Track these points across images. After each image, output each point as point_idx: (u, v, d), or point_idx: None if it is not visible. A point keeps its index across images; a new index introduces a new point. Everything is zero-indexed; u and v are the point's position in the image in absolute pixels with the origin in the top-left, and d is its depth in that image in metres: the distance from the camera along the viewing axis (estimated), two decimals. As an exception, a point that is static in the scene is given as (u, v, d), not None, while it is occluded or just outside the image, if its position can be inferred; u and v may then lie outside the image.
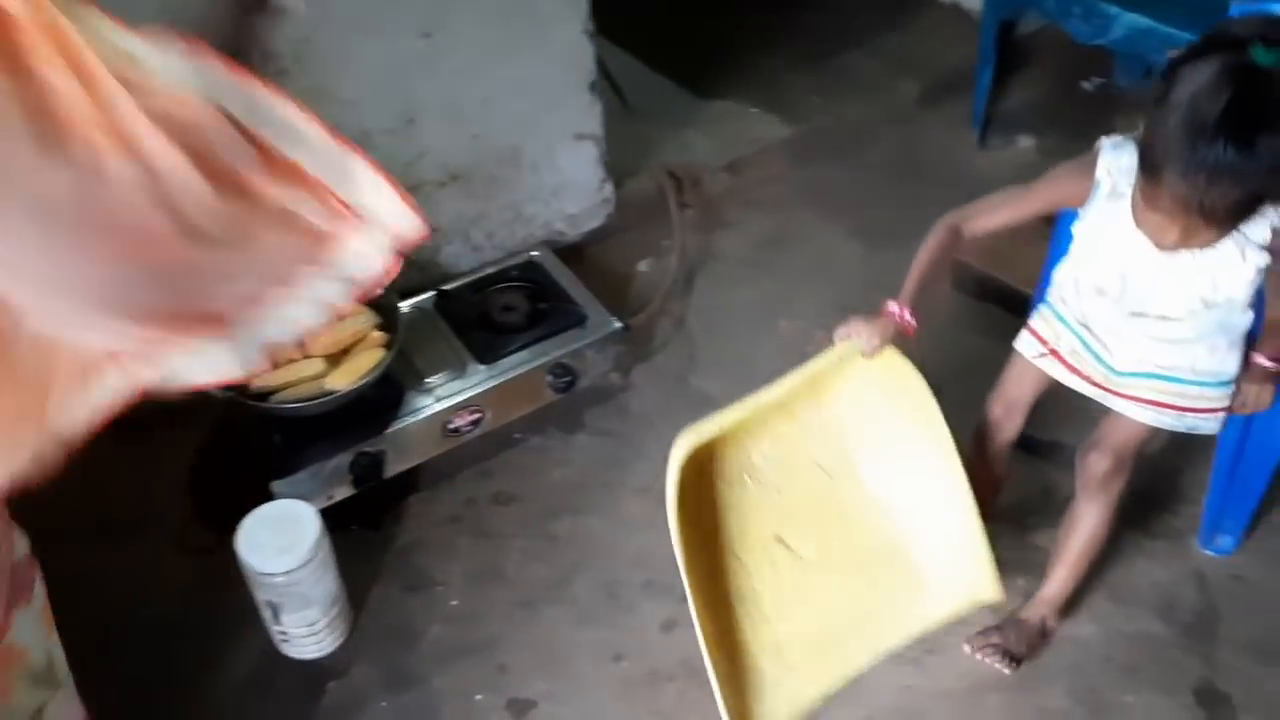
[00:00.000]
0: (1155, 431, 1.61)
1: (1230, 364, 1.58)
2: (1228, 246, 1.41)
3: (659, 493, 2.01)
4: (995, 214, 1.60)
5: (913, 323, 1.57)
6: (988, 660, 1.75)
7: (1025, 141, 2.84)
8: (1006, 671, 1.74)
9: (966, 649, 1.77)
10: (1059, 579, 1.76)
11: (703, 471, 1.59)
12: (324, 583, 1.68)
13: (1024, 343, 1.71)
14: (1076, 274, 1.61)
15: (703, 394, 2.23)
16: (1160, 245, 1.40)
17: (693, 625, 1.80)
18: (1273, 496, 1.90)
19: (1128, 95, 2.85)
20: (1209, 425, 1.61)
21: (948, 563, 1.68)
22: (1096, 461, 1.64)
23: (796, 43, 3.22)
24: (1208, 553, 1.90)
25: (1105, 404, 1.65)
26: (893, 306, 1.57)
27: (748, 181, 2.77)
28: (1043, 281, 1.76)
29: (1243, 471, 1.79)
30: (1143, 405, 1.60)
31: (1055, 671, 1.76)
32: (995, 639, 1.76)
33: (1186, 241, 1.36)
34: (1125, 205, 1.44)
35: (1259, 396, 1.61)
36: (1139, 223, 1.41)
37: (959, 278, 2.43)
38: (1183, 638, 1.79)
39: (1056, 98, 2.99)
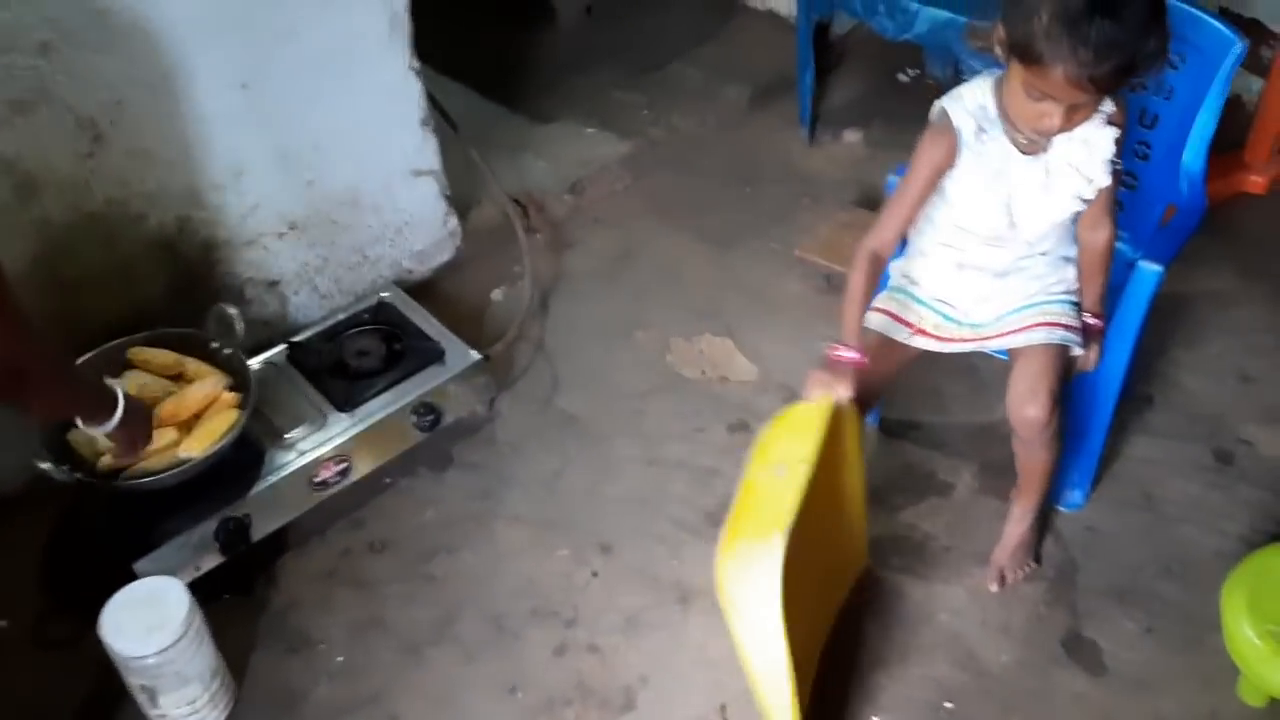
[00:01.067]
0: (1056, 358, 1.70)
1: (1071, 278, 1.76)
2: (1090, 128, 1.57)
3: (531, 520, 2.04)
4: (893, 220, 1.68)
5: (863, 359, 1.62)
6: (1021, 577, 1.91)
7: (852, 135, 2.94)
8: (1032, 567, 1.92)
9: (994, 588, 1.89)
10: (1026, 507, 1.87)
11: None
12: (200, 657, 1.62)
13: (885, 326, 1.78)
14: (956, 232, 1.70)
15: (567, 414, 2.25)
16: (1042, 132, 1.53)
17: (583, 647, 1.83)
18: (1110, 449, 2.03)
19: (941, 84, 3.00)
20: (1080, 341, 1.74)
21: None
22: (1034, 412, 1.68)
23: (621, 59, 3.26)
24: (1061, 509, 2.01)
25: (992, 348, 1.78)
26: (840, 350, 1.63)
27: (591, 200, 2.80)
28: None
29: (1081, 427, 1.90)
30: (1029, 330, 1.72)
31: (936, 642, 1.83)
32: (1007, 568, 1.90)
33: (1069, 122, 1.50)
34: (993, 134, 1.60)
35: (1093, 355, 1.75)
36: (1018, 124, 1.56)
37: (807, 277, 2.51)
38: (1047, 593, 1.89)
39: (876, 91, 3.12)
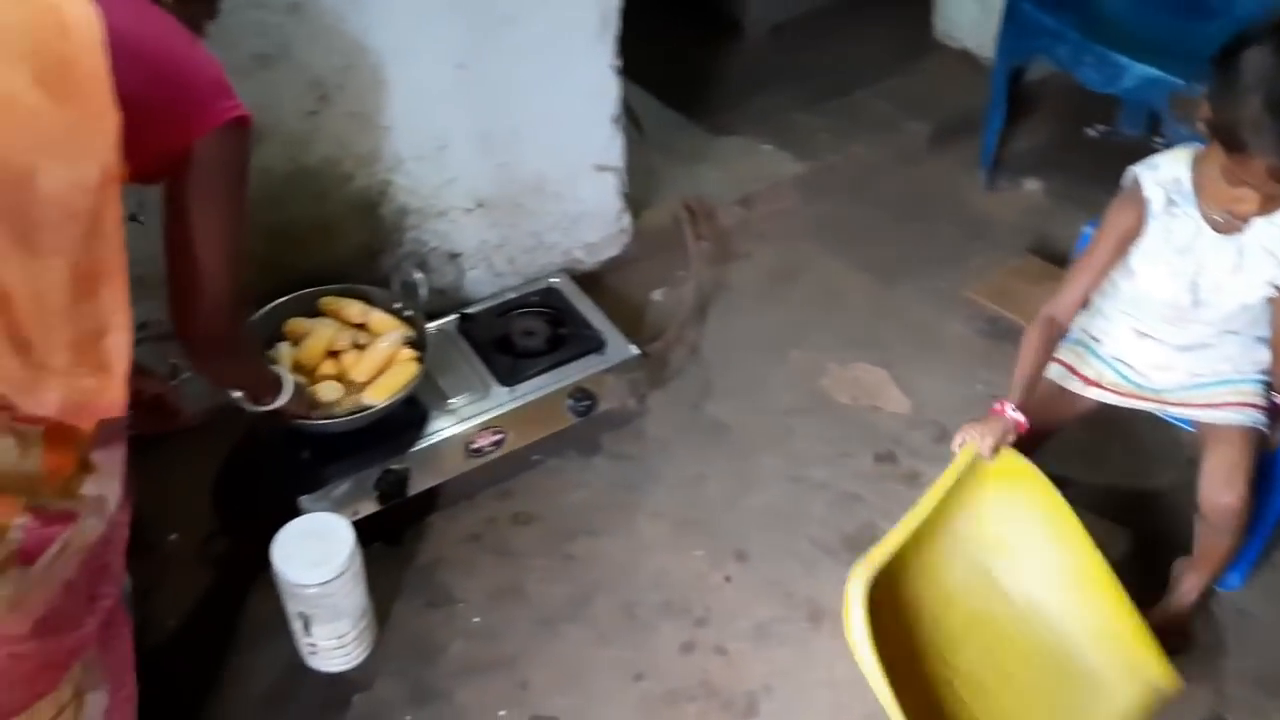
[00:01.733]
0: (1251, 442, 1.66)
1: (1264, 359, 1.70)
2: None
3: (672, 517, 2.08)
4: (1076, 286, 1.68)
5: (1024, 420, 1.61)
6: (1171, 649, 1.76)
7: (1032, 184, 2.91)
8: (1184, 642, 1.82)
9: None
10: (1195, 585, 1.82)
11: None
12: (354, 596, 1.70)
13: (1060, 376, 1.76)
14: (1135, 302, 1.69)
15: (716, 420, 2.28)
16: (1237, 216, 1.51)
17: (711, 647, 1.86)
18: (1275, 534, 1.96)
19: (1132, 142, 2.94)
20: (1268, 421, 1.70)
21: (1117, 661, 1.64)
22: (1231, 500, 1.66)
23: (807, 83, 3.29)
24: (1215, 588, 1.95)
25: (1173, 415, 1.76)
26: (1002, 407, 1.61)
27: (760, 215, 2.83)
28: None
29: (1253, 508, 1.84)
30: (1224, 409, 1.68)
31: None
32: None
33: (1266, 208, 1.48)
34: (1184, 209, 1.57)
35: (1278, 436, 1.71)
36: (1211, 204, 1.53)
37: (971, 319, 2.49)
38: (1193, 671, 1.83)
39: (1062, 143, 3.08)
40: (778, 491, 2.13)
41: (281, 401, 1.69)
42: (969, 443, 1.59)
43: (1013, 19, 2.67)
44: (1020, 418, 1.60)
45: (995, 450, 1.59)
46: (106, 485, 1.30)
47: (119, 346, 1.16)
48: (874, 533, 2.02)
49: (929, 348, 2.44)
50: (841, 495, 2.12)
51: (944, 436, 2.21)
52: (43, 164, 1.07)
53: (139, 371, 1.56)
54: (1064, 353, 1.78)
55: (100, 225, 1.12)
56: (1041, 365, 1.67)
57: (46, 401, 1.11)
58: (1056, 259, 2.51)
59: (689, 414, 2.30)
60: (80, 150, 1.10)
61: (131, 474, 1.37)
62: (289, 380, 1.71)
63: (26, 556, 1.21)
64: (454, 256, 2.36)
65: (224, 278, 1.36)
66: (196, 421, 1.69)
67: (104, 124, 1.11)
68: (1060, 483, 2.11)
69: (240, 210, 1.35)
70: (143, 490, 1.39)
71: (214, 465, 2.10)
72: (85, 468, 1.26)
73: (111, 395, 1.16)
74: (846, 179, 2.94)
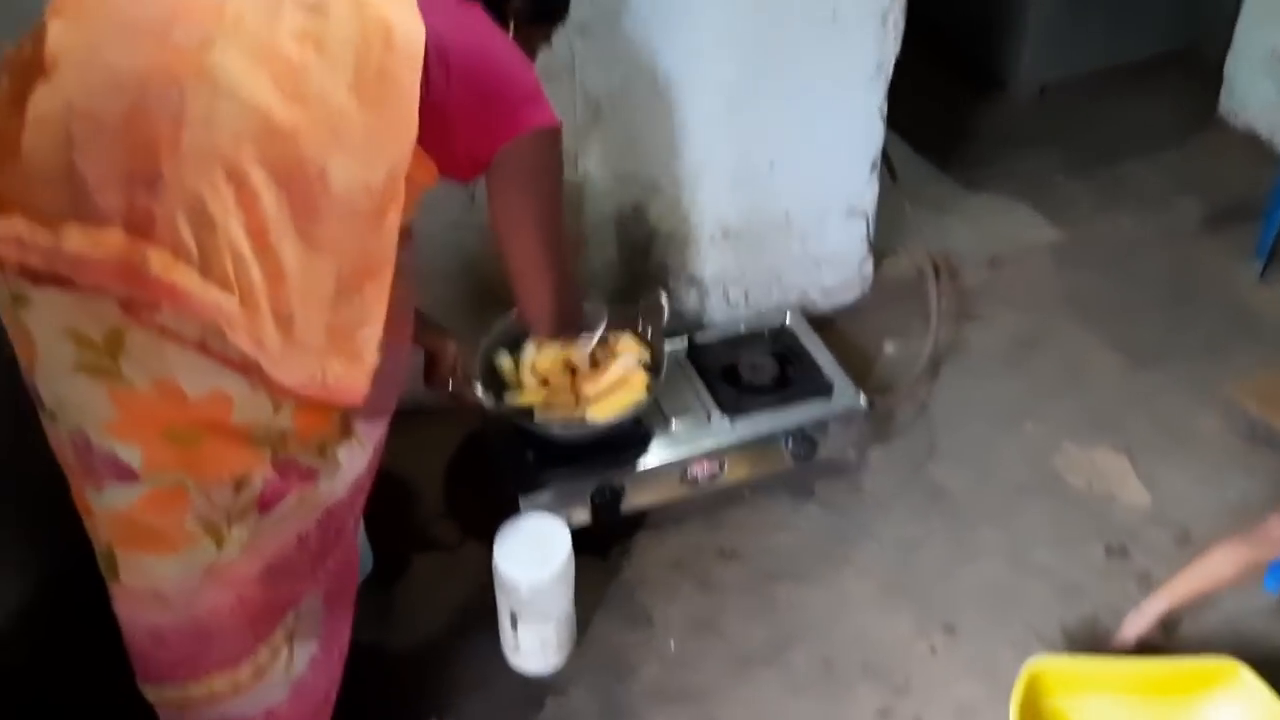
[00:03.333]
0: None
1: None
2: None
3: (881, 577, 2.02)
4: None
5: None
6: None
7: (1312, 283, 2.69)
8: None
9: None
10: None
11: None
12: (563, 601, 1.74)
13: None
14: None
15: (938, 484, 2.21)
16: None
17: (909, 718, 1.79)
18: None
19: None
20: None
21: None
22: None
23: (1072, 147, 3.16)
24: None
25: None
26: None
27: (1007, 278, 2.73)
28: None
29: None
30: None
31: None
32: None
33: None
34: None
35: None
36: None
37: (1230, 418, 2.32)
38: None
39: (1352, 240, 2.82)
40: (996, 568, 2.04)
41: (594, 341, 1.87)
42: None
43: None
44: None
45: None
46: (358, 454, 1.38)
47: (371, 339, 1.22)
48: (1094, 629, 1.91)
49: (1178, 441, 2.28)
50: (1065, 584, 2.00)
51: (1186, 539, 2.07)
52: (337, 160, 1.15)
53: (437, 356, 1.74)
54: None
55: (377, 225, 1.19)
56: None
57: (294, 376, 1.19)
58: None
59: (910, 473, 2.23)
60: (374, 154, 1.18)
61: (386, 447, 1.45)
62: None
63: (264, 505, 1.30)
64: (693, 282, 2.38)
65: (543, 264, 1.48)
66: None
67: (402, 133, 1.19)
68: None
69: (550, 206, 1.45)
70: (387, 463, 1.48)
71: (449, 449, 2.19)
72: (345, 431, 1.34)
73: (355, 383, 1.22)
74: (1106, 251, 2.79)
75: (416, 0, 1.24)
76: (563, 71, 1.96)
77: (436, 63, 1.23)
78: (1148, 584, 1.97)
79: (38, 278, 1.12)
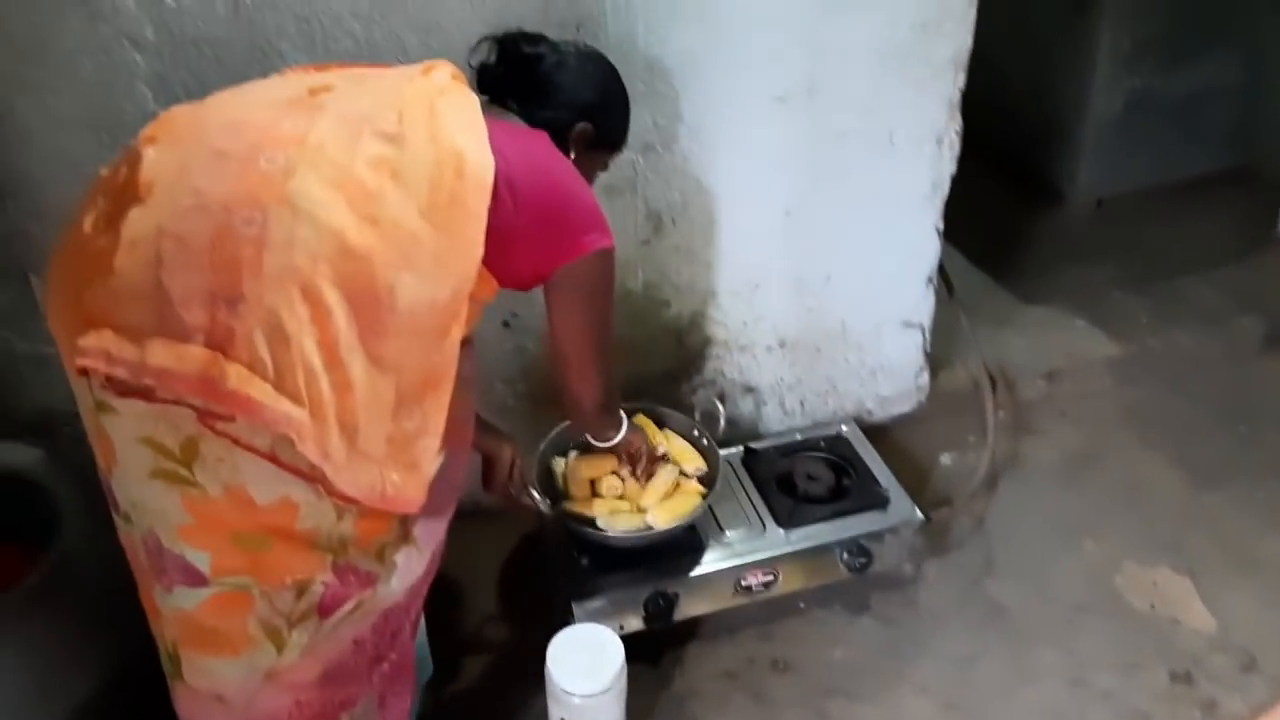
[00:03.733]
0: None
1: None
2: None
3: (938, 696, 1.99)
4: None
5: None
6: None
7: (1380, 403, 2.64)
8: None
9: None
10: None
11: None
12: (616, 711, 1.73)
13: None
14: None
15: (995, 601, 2.18)
16: None
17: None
18: None
19: None
20: None
21: None
22: None
23: (1130, 261, 3.17)
24: None
25: None
26: None
27: (1065, 393, 2.72)
28: None
29: None
30: None
31: None
32: None
33: None
34: None
35: None
36: None
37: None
38: None
39: None
40: (1056, 691, 1.99)
41: (620, 436, 1.88)
42: None
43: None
44: None
45: None
46: (415, 558, 1.41)
47: (429, 450, 1.27)
48: (1159, 759, 1.86)
49: (1244, 564, 2.23)
50: (1127, 710, 1.95)
51: (1252, 666, 2.01)
52: (405, 279, 1.21)
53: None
54: None
55: (440, 341, 1.25)
56: None
57: (358, 484, 1.23)
58: None
59: (966, 589, 2.20)
60: (441, 274, 1.24)
61: (445, 549, 1.48)
62: (626, 421, 1.90)
63: (324, 610, 1.33)
64: (749, 390, 2.41)
65: (590, 369, 1.59)
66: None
67: (468, 255, 1.26)
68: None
69: (601, 318, 1.54)
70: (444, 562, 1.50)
71: (504, 551, 2.22)
72: (405, 537, 1.38)
73: (413, 493, 1.27)
74: (1166, 367, 2.78)
75: (487, 128, 1.32)
76: (626, 187, 2.03)
77: (505, 190, 1.30)
78: (1213, 713, 1.92)
79: (123, 389, 1.18)
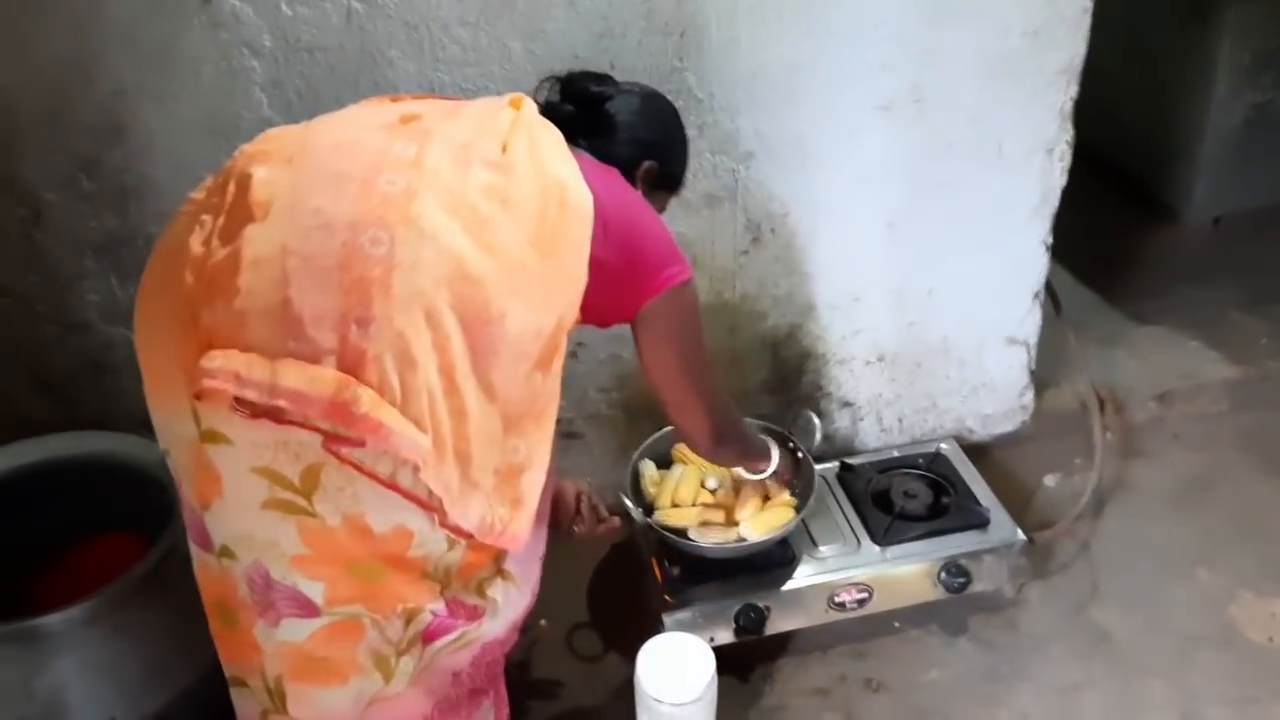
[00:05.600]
0: None
1: None
2: None
3: (1043, 721, 1.92)
4: None
5: None
6: None
7: None
8: None
9: None
10: None
11: None
12: (705, 722, 1.71)
13: None
14: None
15: (1100, 629, 2.10)
16: None
17: None
18: None
19: None
20: None
21: None
22: None
23: (1248, 281, 3.03)
24: None
25: None
26: None
27: (1178, 415, 2.62)
28: None
29: None
30: None
31: None
32: None
33: None
34: None
35: None
36: None
37: None
38: None
39: None
40: (1166, 724, 1.91)
41: (772, 468, 1.89)
42: None
43: None
44: None
45: None
46: (516, 595, 1.41)
47: (533, 484, 1.26)
48: (1278, 800, 1.76)
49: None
50: (1243, 747, 1.86)
51: (1381, 707, 1.89)
52: (515, 307, 1.21)
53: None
54: None
55: (545, 369, 1.25)
56: None
57: (470, 516, 1.22)
58: None
59: (1070, 614, 2.13)
60: (547, 303, 1.25)
61: (541, 583, 1.47)
62: (775, 450, 1.90)
63: (428, 638, 1.32)
64: (847, 405, 2.37)
65: (693, 404, 1.56)
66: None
67: (573, 283, 1.27)
68: None
69: (694, 347, 1.51)
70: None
71: (595, 558, 2.22)
72: (499, 572, 1.38)
73: (517, 529, 1.26)
74: (1286, 392, 2.66)
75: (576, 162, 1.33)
76: (726, 197, 2.02)
77: (598, 223, 1.30)
78: (1336, 754, 1.82)
79: (255, 411, 1.14)
